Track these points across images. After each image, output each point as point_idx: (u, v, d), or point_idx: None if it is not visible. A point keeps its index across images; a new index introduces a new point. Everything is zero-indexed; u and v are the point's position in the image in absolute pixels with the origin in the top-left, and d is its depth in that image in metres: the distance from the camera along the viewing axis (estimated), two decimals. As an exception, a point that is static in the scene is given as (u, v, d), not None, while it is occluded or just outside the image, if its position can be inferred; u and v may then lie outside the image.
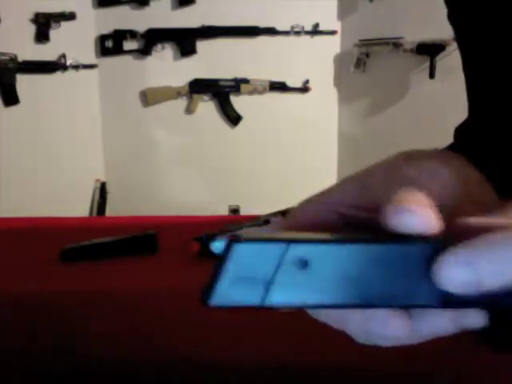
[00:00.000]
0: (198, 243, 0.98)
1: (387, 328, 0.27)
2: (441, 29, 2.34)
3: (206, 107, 2.90)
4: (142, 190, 2.96)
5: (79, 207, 2.89)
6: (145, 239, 1.03)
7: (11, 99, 2.65)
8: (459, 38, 0.46)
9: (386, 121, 2.80)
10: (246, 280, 0.25)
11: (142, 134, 2.94)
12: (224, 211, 2.84)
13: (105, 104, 2.88)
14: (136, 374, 0.89)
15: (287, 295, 0.26)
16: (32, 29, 2.65)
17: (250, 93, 2.85)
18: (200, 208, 2.66)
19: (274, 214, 1.16)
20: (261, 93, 2.84)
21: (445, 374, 0.82)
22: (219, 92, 2.86)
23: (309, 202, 0.32)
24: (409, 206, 0.26)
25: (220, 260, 0.25)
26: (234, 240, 0.25)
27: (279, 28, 2.77)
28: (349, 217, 0.31)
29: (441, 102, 2.55)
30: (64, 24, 2.69)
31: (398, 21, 2.65)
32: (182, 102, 2.89)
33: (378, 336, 0.28)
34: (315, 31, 2.78)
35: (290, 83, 2.84)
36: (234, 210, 2.88)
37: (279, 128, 2.91)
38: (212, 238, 0.29)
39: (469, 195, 0.31)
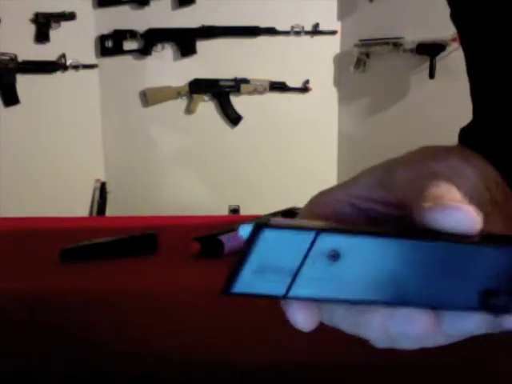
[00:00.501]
0: (198, 243, 0.98)
1: (411, 326, 0.25)
2: (441, 29, 2.35)
3: (206, 107, 2.90)
4: (142, 190, 2.96)
5: (79, 207, 2.89)
6: (145, 239, 1.03)
7: (11, 99, 2.65)
8: (462, 37, 0.46)
9: (386, 121, 2.79)
10: (271, 268, 0.24)
11: (141, 134, 2.94)
12: (224, 211, 2.84)
13: (105, 104, 2.88)
14: (136, 374, 0.89)
15: (313, 288, 0.24)
16: (32, 29, 2.65)
17: (250, 93, 2.85)
18: (200, 208, 2.66)
19: (274, 214, 1.16)
20: (261, 93, 2.84)
21: (448, 371, 0.82)
22: (219, 92, 2.85)
23: (324, 194, 0.31)
24: (452, 203, 0.25)
25: (246, 245, 0.24)
26: (262, 225, 0.24)
27: (279, 28, 2.77)
28: (364, 210, 0.30)
29: (441, 102, 2.55)
30: (64, 24, 2.69)
31: (398, 21, 2.65)
32: (182, 102, 2.89)
33: (401, 336, 0.26)
34: (315, 31, 2.78)
35: (290, 83, 2.83)
36: (234, 210, 2.88)
37: (279, 128, 2.91)
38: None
39: (491, 196, 0.30)
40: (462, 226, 0.24)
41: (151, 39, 2.78)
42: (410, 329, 0.25)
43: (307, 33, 2.78)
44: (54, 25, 2.66)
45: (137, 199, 2.90)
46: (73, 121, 2.81)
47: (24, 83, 2.66)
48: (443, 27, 2.20)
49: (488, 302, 0.24)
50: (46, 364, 0.88)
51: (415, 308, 0.25)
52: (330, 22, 2.77)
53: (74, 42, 2.73)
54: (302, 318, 0.26)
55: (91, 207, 2.93)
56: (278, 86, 2.84)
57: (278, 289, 0.24)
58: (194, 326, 0.87)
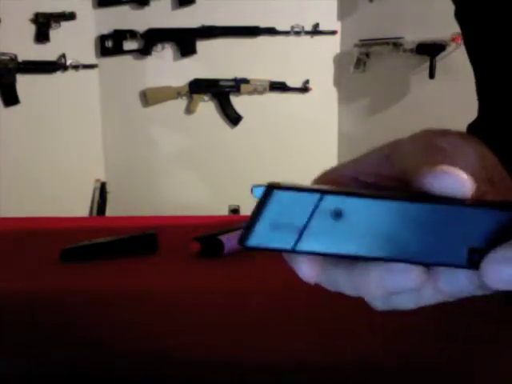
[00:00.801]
0: (198, 243, 0.98)
1: (406, 278, 0.27)
2: (441, 29, 2.35)
3: (206, 107, 2.90)
4: (141, 190, 2.96)
5: (79, 207, 2.89)
6: (145, 239, 1.03)
7: (11, 99, 2.65)
8: (467, 36, 0.46)
9: (386, 121, 2.79)
10: (281, 225, 0.27)
11: (141, 134, 2.94)
12: (224, 211, 2.84)
13: (105, 104, 2.88)
14: (136, 374, 0.89)
15: (318, 243, 0.27)
16: (32, 29, 2.66)
17: (250, 93, 2.85)
18: (200, 208, 2.66)
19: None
20: (261, 93, 2.85)
21: (448, 371, 0.82)
22: (219, 92, 2.86)
23: (332, 170, 0.33)
24: (447, 167, 0.27)
25: (259, 204, 0.27)
26: (274, 187, 0.27)
27: (279, 28, 2.77)
28: (371, 185, 0.32)
29: (441, 102, 2.55)
30: (64, 24, 2.69)
31: (398, 21, 2.65)
32: (182, 102, 2.89)
33: (397, 288, 0.28)
34: (315, 31, 2.78)
35: (290, 83, 2.84)
36: (234, 210, 2.88)
37: (279, 128, 2.91)
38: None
39: (488, 176, 0.32)
40: (454, 189, 0.27)
41: (151, 39, 2.79)
42: (404, 281, 0.27)
43: (307, 33, 2.78)
44: (54, 25, 2.66)
45: (137, 199, 2.90)
46: (73, 121, 2.81)
47: (24, 83, 2.66)
48: (443, 27, 2.21)
49: (473, 260, 0.26)
50: (46, 364, 0.88)
51: (411, 264, 0.27)
52: (330, 21, 2.78)
53: (74, 41, 2.73)
54: (306, 269, 0.29)
55: (91, 207, 2.94)
56: (278, 86, 2.84)
57: (287, 243, 0.27)
58: (193, 325, 0.87)
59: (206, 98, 2.88)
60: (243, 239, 0.27)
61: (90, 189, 2.93)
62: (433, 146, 0.31)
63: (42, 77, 2.70)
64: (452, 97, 2.46)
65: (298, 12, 2.76)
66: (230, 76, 2.83)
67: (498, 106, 0.43)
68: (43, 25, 2.64)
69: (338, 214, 0.27)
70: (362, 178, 0.32)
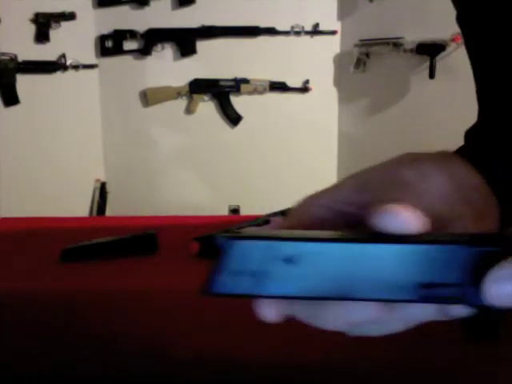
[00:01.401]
0: (198, 243, 0.98)
1: (365, 313, 0.28)
2: (441, 29, 2.35)
3: (206, 107, 2.90)
4: (142, 190, 2.96)
5: (79, 207, 2.89)
6: (145, 239, 1.03)
7: (11, 99, 2.65)
8: (468, 39, 0.46)
9: (386, 121, 2.79)
10: (241, 272, 0.29)
11: (142, 134, 2.94)
12: (224, 211, 2.84)
13: (105, 104, 2.88)
14: (136, 374, 0.89)
15: (276, 287, 0.28)
16: (32, 29, 2.65)
17: (250, 93, 2.85)
18: (200, 208, 2.66)
19: (274, 214, 1.16)
20: (261, 93, 2.84)
21: (448, 371, 0.82)
22: (219, 92, 2.86)
23: (308, 200, 0.34)
24: (391, 207, 0.27)
25: (221, 254, 0.29)
26: (233, 237, 0.29)
27: (279, 28, 2.77)
28: (347, 214, 0.33)
29: (441, 102, 2.55)
30: (64, 24, 2.69)
31: (398, 21, 2.65)
32: (182, 102, 2.89)
33: (357, 323, 0.29)
34: (315, 31, 2.78)
35: (290, 83, 2.84)
36: (234, 210, 2.88)
37: (279, 128, 2.91)
38: (213, 236, 0.31)
39: (464, 199, 0.32)
40: (397, 228, 0.27)
41: (151, 39, 2.78)
42: (363, 315, 0.28)
43: (307, 33, 2.78)
44: (54, 25, 2.66)
45: (137, 199, 2.90)
46: (73, 121, 2.81)
47: (24, 83, 2.66)
48: (443, 27, 2.21)
49: (425, 295, 0.27)
50: (46, 364, 0.88)
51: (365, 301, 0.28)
52: (330, 21, 2.77)
53: (74, 41, 2.73)
54: (264, 312, 0.30)
55: (91, 207, 2.93)
56: (278, 86, 2.84)
57: (247, 289, 0.29)
58: (193, 325, 0.87)
59: (205, 97, 2.88)
60: (206, 287, 0.30)
61: (90, 189, 2.93)
62: (396, 177, 0.32)
63: (42, 77, 2.70)
64: (452, 97, 2.46)
65: (298, 12, 2.76)
66: (230, 76, 2.83)
67: (499, 110, 0.43)
68: (43, 25, 2.64)
69: (290, 260, 0.28)
70: (337, 207, 0.33)
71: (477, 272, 0.26)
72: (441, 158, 0.34)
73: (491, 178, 0.34)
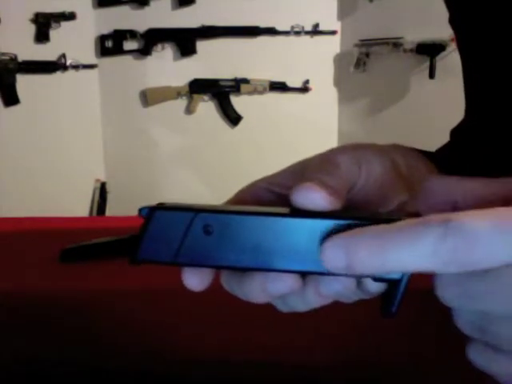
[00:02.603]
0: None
1: (282, 285, 0.30)
2: (441, 29, 2.35)
3: (206, 107, 2.90)
4: (142, 190, 2.96)
5: (79, 207, 2.89)
6: (145, 239, 1.03)
7: (11, 99, 2.65)
8: (460, 41, 0.47)
9: (386, 121, 2.80)
10: (162, 240, 0.31)
11: (142, 134, 2.94)
12: (224, 211, 2.83)
13: (105, 104, 2.88)
14: (136, 374, 0.89)
15: (194, 256, 0.30)
16: (32, 29, 2.65)
17: (250, 93, 2.85)
18: (200, 208, 2.65)
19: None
20: (261, 93, 2.85)
21: (448, 371, 0.82)
22: (219, 92, 2.86)
23: (254, 182, 0.37)
24: (304, 184, 0.29)
25: (144, 223, 0.32)
26: (155, 207, 0.31)
27: (279, 28, 2.77)
28: (282, 196, 0.35)
29: (441, 102, 2.55)
30: (64, 24, 2.69)
31: (398, 21, 2.65)
32: (182, 102, 2.89)
33: (277, 295, 0.31)
34: (315, 31, 2.78)
35: (290, 83, 2.84)
36: (234, 210, 2.88)
37: (279, 128, 2.91)
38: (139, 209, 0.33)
39: (397, 173, 0.34)
40: (312, 204, 0.29)
41: (151, 39, 2.79)
42: (281, 287, 0.30)
43: (307, 33, 2.78)
44: (53, 25, 2.66)
45: (137, 199, 2.90)
46: (73, 121, 2.81)
47: (24, 83, 2.66)
48: (443, 27, 2.20)
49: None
50: (46, 364, 0.89)
51: (281, 272, 0.30)
52: (330, 22, 2.78)
53: (73, 41, 2.73)
54: (187, 279, 0.31)
55: (91, 207, 2.94)
56: (278, 86, 2.84)
57: (167, 257, 0.30)
58: (194, 325, 0.87)
59: (205, 97, 2.88)
60: (134, 255, 0.31)
61: (90, 189, 2.93)
62: (329, 163, 0.34)
63: (42, 77, 2.70)
64: (452, 97, 2.45)
65: (298, 12, 2.76)
66: (230, 76, 2.83)
67: (486, 109, 0.44)
68: (43, 25, 2.64)
69: (208, 230, 0.30)
70: (275, 190, 0.35)
71: None
72: (386, 147, 0.36)
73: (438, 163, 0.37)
